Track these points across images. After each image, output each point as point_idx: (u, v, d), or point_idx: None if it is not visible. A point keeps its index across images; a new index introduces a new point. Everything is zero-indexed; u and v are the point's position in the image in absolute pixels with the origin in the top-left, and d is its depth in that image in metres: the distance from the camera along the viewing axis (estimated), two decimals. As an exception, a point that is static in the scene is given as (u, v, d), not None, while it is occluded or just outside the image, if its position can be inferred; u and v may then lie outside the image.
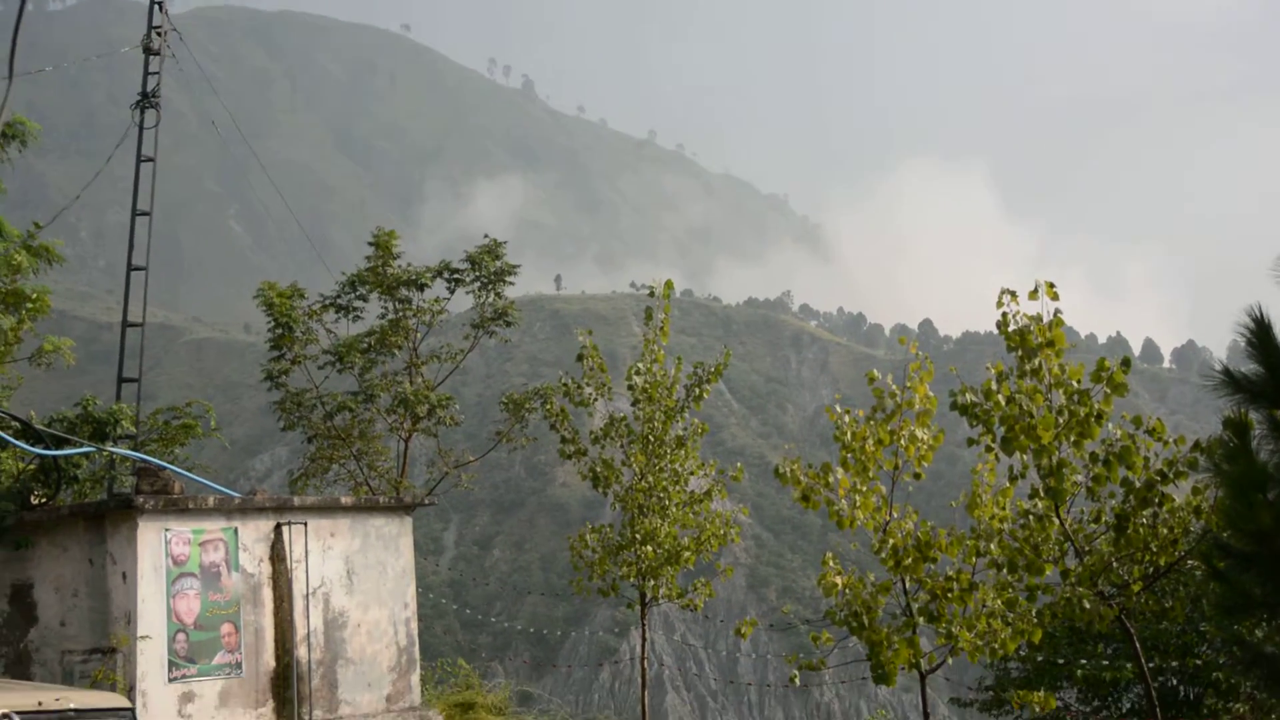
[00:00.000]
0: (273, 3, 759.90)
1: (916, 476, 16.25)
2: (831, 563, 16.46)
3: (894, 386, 16.24)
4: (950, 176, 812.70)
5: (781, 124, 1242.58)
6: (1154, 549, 15.01)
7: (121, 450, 24.23)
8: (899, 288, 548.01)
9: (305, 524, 18.82)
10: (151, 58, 32.22)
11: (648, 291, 22.57)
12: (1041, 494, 15.06)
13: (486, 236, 37.37)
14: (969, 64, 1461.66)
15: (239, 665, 17.78)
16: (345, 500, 19.81)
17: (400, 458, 35.84)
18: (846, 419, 16.22)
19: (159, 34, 32.35)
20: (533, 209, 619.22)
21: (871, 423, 16.20)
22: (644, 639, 23.54)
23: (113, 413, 25.49)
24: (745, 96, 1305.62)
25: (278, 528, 18.41)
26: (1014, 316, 14.93)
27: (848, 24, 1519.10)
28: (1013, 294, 14.90)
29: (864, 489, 16.00)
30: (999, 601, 15.55)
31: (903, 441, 16.06)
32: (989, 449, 15.08)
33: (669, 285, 22.60)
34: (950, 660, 16.38)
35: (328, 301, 35.97)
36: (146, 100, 31.46)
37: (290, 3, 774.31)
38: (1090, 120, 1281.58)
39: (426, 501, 22.99)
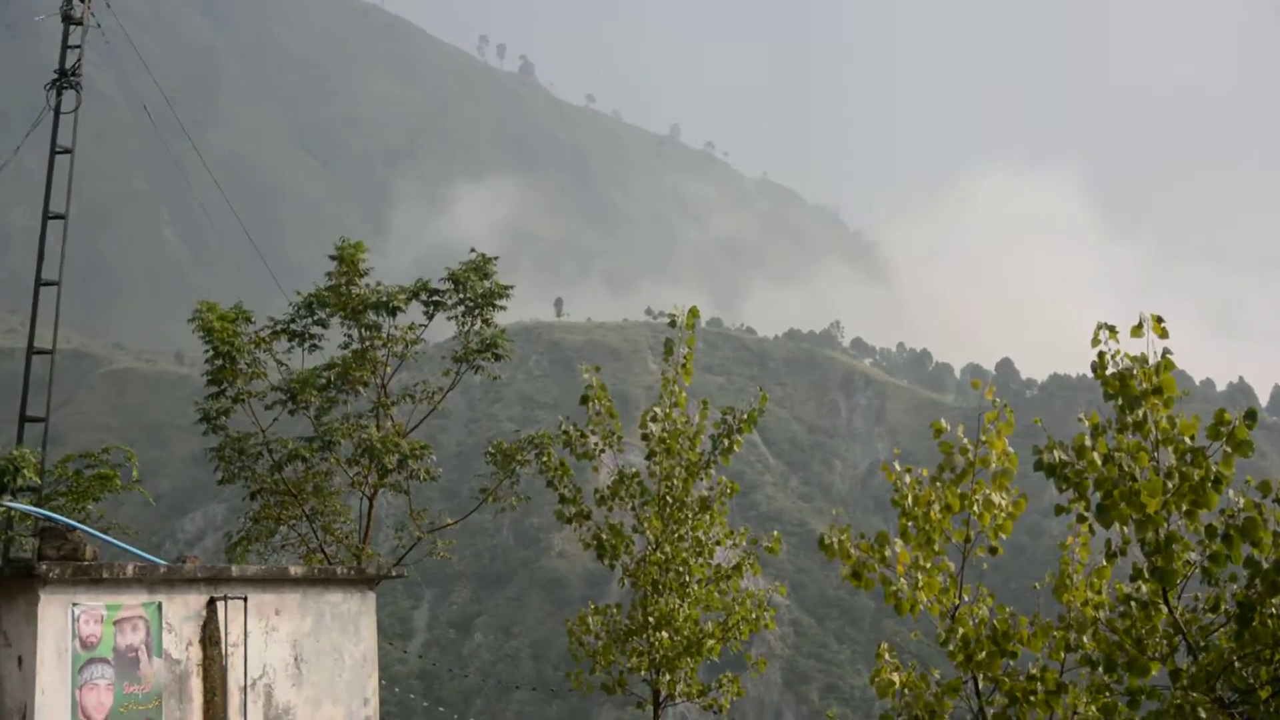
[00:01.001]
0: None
1: (993, 551, 16.14)
2: (887, 656, 16.35)
3: (965, 440, 16.16)
4: (1033, 186, 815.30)
5: (831, 121, 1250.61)
6: (1285, 645, 14.88)
7: (22, 505, 24.26)
8: (971, 320, 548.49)
9: (245, 599, 18.76)
10: (71, 28, 32.42)
11: (667, 320, 22.54)
12: (1146, 575, 14.94)
13: (473, 251, 37.43)
14: (1055, 47, 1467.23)
15: (161, 771, 17.69)
16: (295, 570, 19.76)
17: (363, 519, 35.79)
18: (907, 479, 16.13)
19: (82, 1, 32.57)
20: (528, 217, 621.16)
21: (938, 484, 16.10)
22: (656, 745, 23.42)
23: (12, 459, 25.53)
24: (787, 88, 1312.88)
25: (211, 603, 18.35)
26: (1113, 357, 14.84)
27: (909, 7, 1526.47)
28: (1111, 329, 14.82)
29: (928, 565, 15.90)
30: (1093, 708, 15.42)
31: (976, 508, 15.96)
32: (1081, 519, 14.96)
33: (693, 313, 22.57)
34: (1032, 778, 16.20)
35: (279, 327, 36.01)
36: (64, 79, 31.65)
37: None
38: (1209, 118, 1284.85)
39: (394, 573, 22.93)
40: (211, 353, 34.47)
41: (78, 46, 32.11)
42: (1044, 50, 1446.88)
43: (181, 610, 18.33)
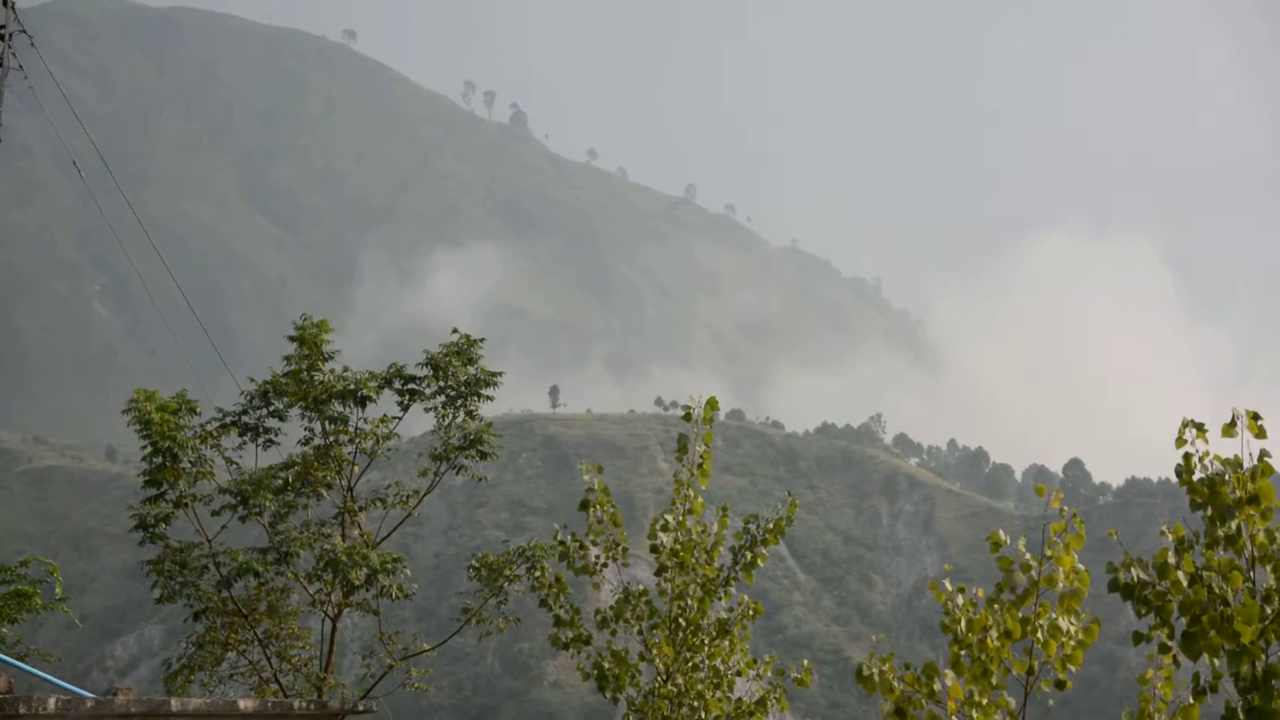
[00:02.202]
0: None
1: (1060, 685, 16.12)
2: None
3: (1028, 555, 16.17)
4: (1103, 259, 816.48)
5: (871, 184, 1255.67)
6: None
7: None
8: (1034, 413, 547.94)
9: (187, 736, 18.71)
10: (-9, 72, 32.67)
11: (681, 412, 22.61)
12: (1241, 716, 14.93)
13: (455, 331, 37.56)
14: (1134, 106, 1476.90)
15: None
16: (245, 704, 19.74)
17: (325, 643, 35.74)
18: (960, 600, 16.13)
19: (1, 38, 32.85)
20: (519, 291, 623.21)
21: (996, 607, 16.10)
22: None
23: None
24: (820, 145, 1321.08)
25: (147, 741, 18.29)
26: (1201, 460, 14.87)
27: (961, 62, 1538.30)
28: (1199, 427, 14.86)
29: (984, 701, 15.87)
30: None
31: (1040, 634, 15.95)
32: (1164, 649, 14.95)
33: (712, 404, 22.63)
34: None
35: (229, 419, 36.10)
36: (-18, 132, 31.85)
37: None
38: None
39: (361, 708, 22.91)
40: (150, 449, 34.44)
41: (-4, 93, 32.33)
42: (1114, 102, 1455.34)
43: (112, 751, 18.33)
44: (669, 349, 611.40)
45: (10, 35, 32.79)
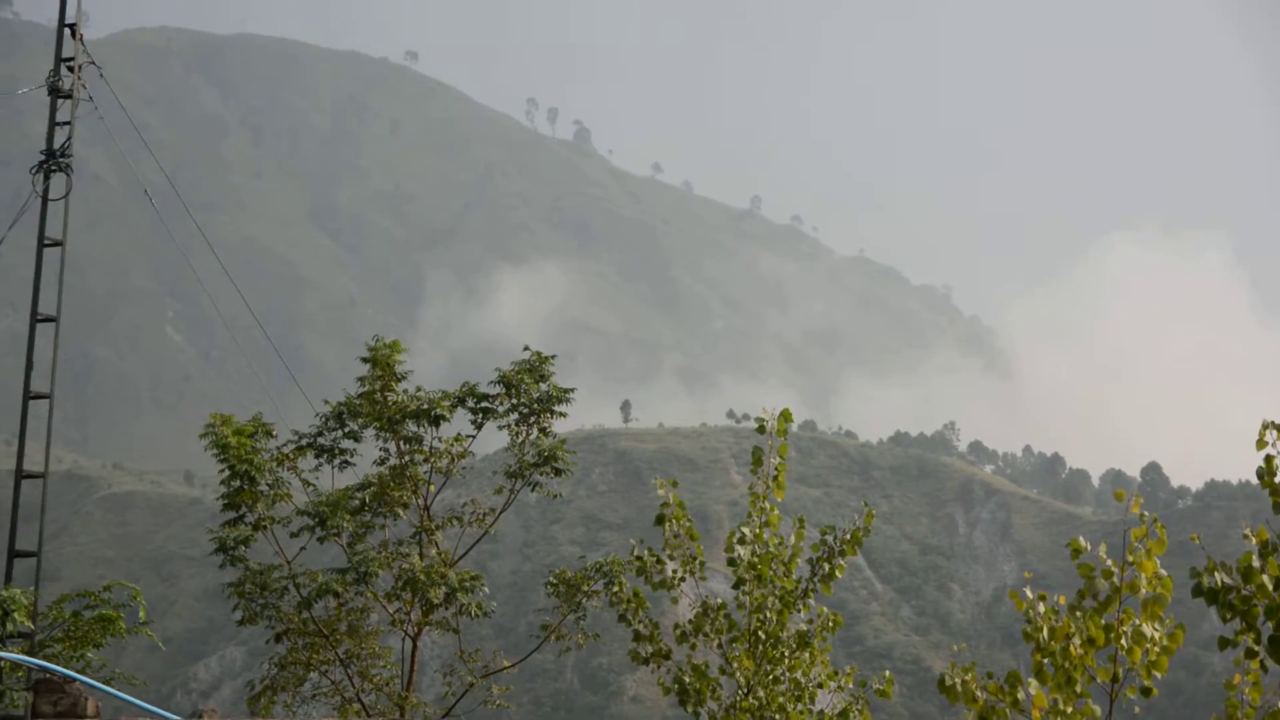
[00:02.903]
0: (228, 22, 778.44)
1: (1145, 692, 16.02)
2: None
3: (1109, 561, 16.08)
4: (1175, 262, 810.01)
5: (938, 191, 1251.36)
6: None
7: (12, 655, 24.48)
8: (1111, 417, 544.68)
9: (272, 758, 18.83)
10: (60, 101, 32.97)
11: (755, 424, 22.59)
12: (1330, 719, 14.81)
13: (526, 349, 37.62)
14: (1202, 106, 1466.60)
15: None
16: (328, 724, 19.83)
17: (406, 662, 35.85)
18: (1041, 608, 16.05)
19: (70, 69, 33.12)
20: (586, 306, 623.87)
21: (1078, 614, 16.01)
22: None
23: (0, 602, 25.75)
24: (885, 154, 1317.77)
25: (233, 764, 18.41)
26: (1282, 461, 14.78)
27: (1026, 66, 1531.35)
28: (1279, 428, 14.77)
29: (1069, 709, 15.79)
30: None
31: (1124, 641, 15.86)
32: (1251, 653, 14.85)
33: (785, 416, 22.59)
34: None
35: (305, 441, 36.28)
36: (53, 161, 32.15)
37: (251, 23, 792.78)
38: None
39: (442, 726, 22.97)
40: (227, 473, 34.66)
41: (67, 123, 32.62)
42: (1182, 103, 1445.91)
43: (199, 774, 18.46)
44: (739, 361, 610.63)
45: (80, 66, 33.07)
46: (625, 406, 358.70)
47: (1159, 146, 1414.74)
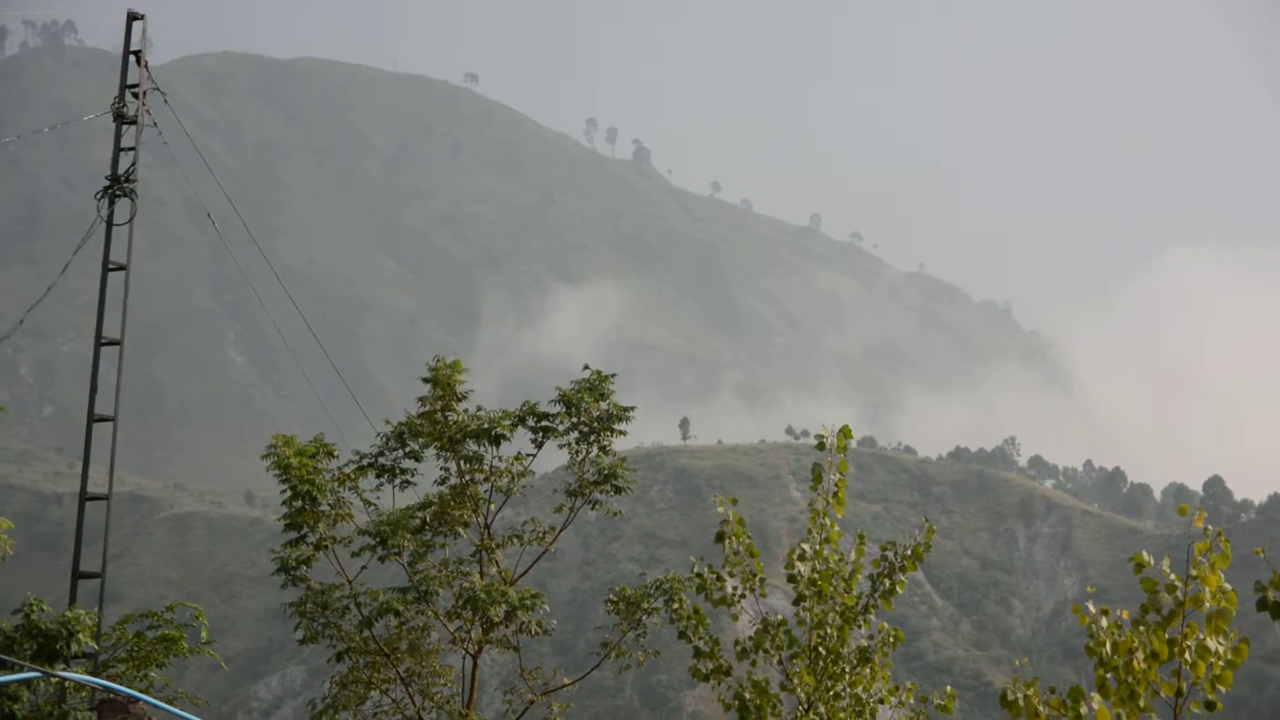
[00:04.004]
0: (289, 47, 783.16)
1: (1209, 706, 15.89)
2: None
3: (1172, 575, 15.97)
4: (1236, 274, 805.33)
5: (995, 205, 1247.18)
6: None
7: (77, 675, 24.58)
8: (1173, 431, 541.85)
9: (334, 777, 18.85)
10: (125, 127, 33.18)
11: (815, 441, 22.51)
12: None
13: (586, 368, 37.62)
14: (1265, 113, 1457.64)
15: None
16: (390, 742, 19.84)
17: (466, 680, 35.87)
18: (1104, 622, 15.95)
19: (135, 95, 33.33)
20: (645, 324, 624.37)
21: (1141, 628, 15.91)
22: None
23: (65, 622, 25.89)
24: (941, 168, 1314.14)
25: (296, 782, 18.42)
26: (1347, 473, 14.61)
27: (1086, 83, 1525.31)
28: (1343, 441, 14.60)
29: (1133, 725, 15.67)
30: None
31: (1188, 655, 15.74)
32: (1316, 666, 14.70)
33: (845, 432, 22.53)
34: None
35: (366, 461, 36.38)
36: (118, 186, 32.34)
37: (313, 47, 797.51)
38: None
39: (503, 744, 22.94)
40: (289, 493, 34.78)
41: (132, 148, 32.81)
42: (1247, 114, 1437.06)
43: (262, 792, 18.49)
44: (798, 378, 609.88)
45: (144, 93, 33.27)
46: (684, 424, 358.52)
47: (1222, 157, 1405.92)
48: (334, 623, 35.25)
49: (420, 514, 36.01)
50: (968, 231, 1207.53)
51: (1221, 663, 16.04)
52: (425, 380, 36.79)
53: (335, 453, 35.82)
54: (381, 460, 36.41)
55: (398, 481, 36.48)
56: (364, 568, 35.60)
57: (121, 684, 23.37)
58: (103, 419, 31.16)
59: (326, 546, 35.24)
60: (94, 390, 31.33)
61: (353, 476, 35.98)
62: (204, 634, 30.81)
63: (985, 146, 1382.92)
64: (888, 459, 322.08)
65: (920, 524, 23.72)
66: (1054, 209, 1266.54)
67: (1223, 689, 16.01)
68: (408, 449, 36.39)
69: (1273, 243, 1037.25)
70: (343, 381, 44.97)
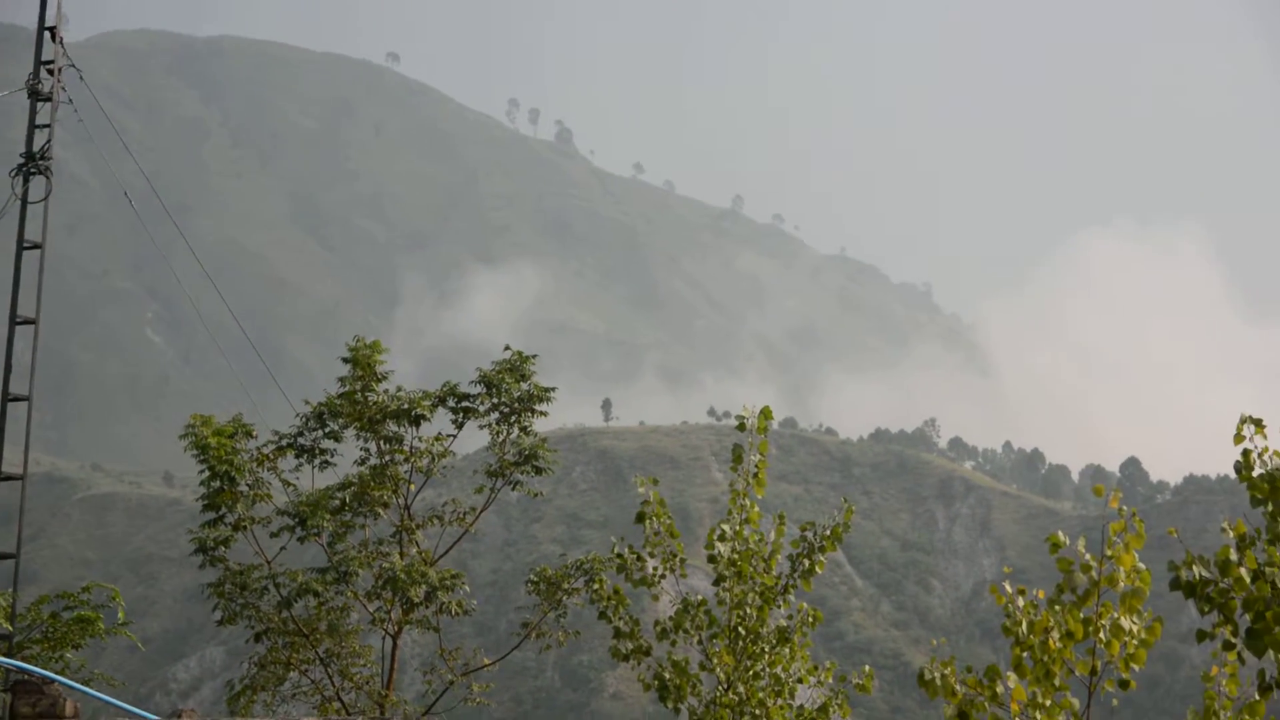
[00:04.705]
0: (208, 25, 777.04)
1: (1123, 685, 16.01)
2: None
3: (1088, 556, 16.06)
4: (1151, 257, 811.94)
5: (916, 188, 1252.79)
6: None
7: (-7, 655, 24.38)
8: (1090, 413, 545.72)
9: (252, 758, 18.76)
10: (40, 104, 32.88)
11: (735, 422, 22.55)
12: (1308, 710, 14.80)
13: (508, 349, 37.59)
14: (1172, 95, 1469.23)
15: None
16: (308, 723, 19.77)
17: (386, 661, 35.81)
18: (1020, 602, 16.03)
19: (50, 72, 33.03)
20: (567, 305, 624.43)
21: (1057, 608, 15.99)
22: None
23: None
24: (862, 151, 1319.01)
25: (213, 763, 18.34)
26: (1260, 455, 14.76)
27: (1000, 62, 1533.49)
28: (1257, 423, 14.75)
29: (1047, 703, 15.77)
30: None
31: (1102, 635, 15.84)
32: (1228, 646, 14.84)
33: (766, 414, 22.57)
34: None
35: (285, 441, 36.22)
36: (32, 164, 32.04)
37: (232, 25, 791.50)
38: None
39: (423, 724, 22.90)
40: (207, 473, 34.64)
41: (47, 126, 32.51)
42: (1154, 96, 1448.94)
43: (178, 774, 18.39)
44: (720, 359, 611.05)
45: (59, 69, 32.98)
46: (606, 405, 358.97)
47: (1133, 140, 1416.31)
48: (252, 603, 35.13)
49: (340, 494, 35.92)
50: (888, 214, 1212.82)
51: (1135, 642, 16.16)
52: (345, 360, 36.70)
53: (254, 433, 35.69)
54: (301, 441, 36.28)
55: (317, 462, 36.37)
56: (283, 548, 35.50)
57: (36, 665, 23.19)
58: (17, 398, 30.84)
59: (245, 527, 35.11)
60: (8, 370, 30.98)
61: (271, 457, 35.84)
62: (121, 615, 30.61)
63: (904, 129, 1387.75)
64: (809, 440, 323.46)
65: (840, 505, 23.81)
66: (971, 192, 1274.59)
67: (1136, 668, 16.14)
68: (327, 429, 36.28)
69: (1181, 223, 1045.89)
70: (262, 362, 44.73)
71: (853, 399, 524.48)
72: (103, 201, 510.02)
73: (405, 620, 35.27)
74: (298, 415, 36.47)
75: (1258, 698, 15.64)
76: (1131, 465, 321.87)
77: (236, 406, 43.43)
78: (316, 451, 36.33)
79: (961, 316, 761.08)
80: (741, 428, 22.48)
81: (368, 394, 36.17)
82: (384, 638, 35.89)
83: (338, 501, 35.74)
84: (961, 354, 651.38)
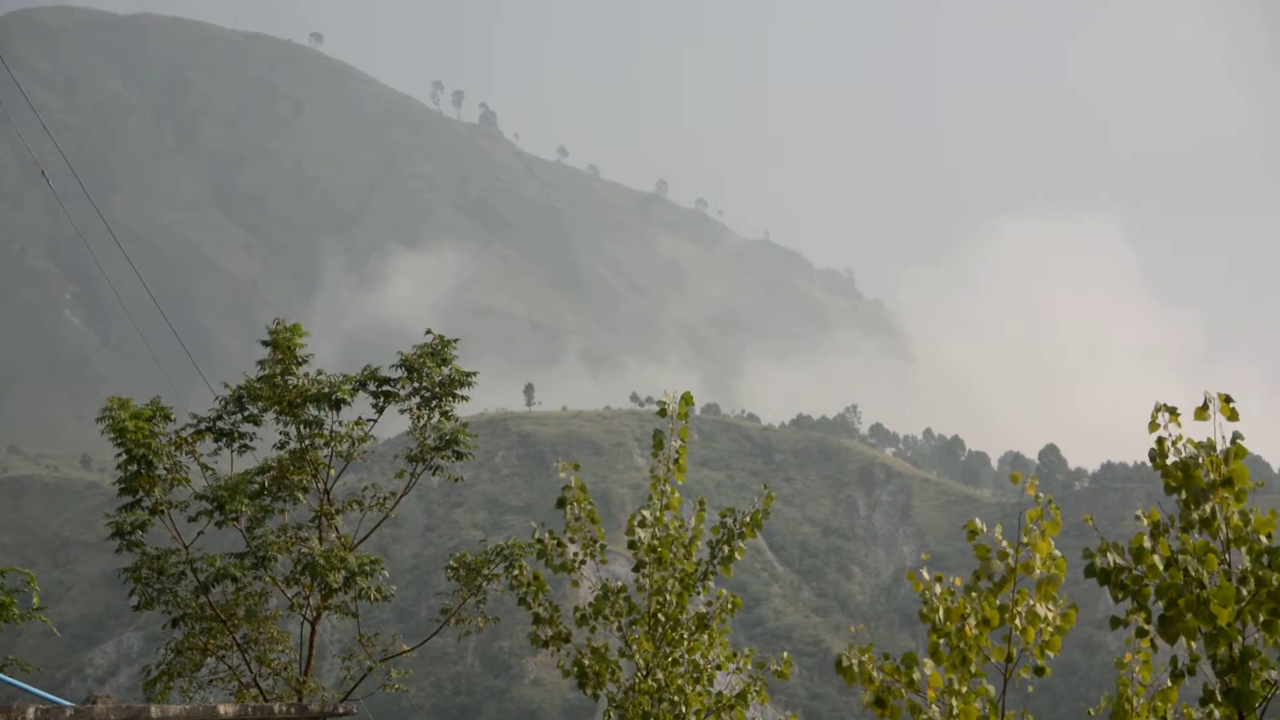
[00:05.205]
0: (128, 2, 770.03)
1: (1038, 671, 16.13)
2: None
3: (1005, 543, 16.16)
4: (1068, 243, 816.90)
5: (841, 176, 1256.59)
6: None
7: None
8: (1008, 400, 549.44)
9: (168, 744, 18.65)
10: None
11: (656, 408, 22.58)
12: (1219, 698, 14.93)
13: (430, 333, 37.49)
14: (1099, 85, 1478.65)
15: None
16: (225, 710, 19.67)
17: (304, 647, 35.66)
18: (938, 589, 16.12)
19: (-33, 49, 32.78)
20: (490, 289, 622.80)
21: (973, 595, 16.09)
22: None
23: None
24: (787, 137, 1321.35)
25: (128, 749, 18.22)
26: (1174, 443, 14.87)
27: (923, 49, 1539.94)
28: (1171, 411, 14.85)
29: (963, 689, 15.86)
30: None
31: (1018, 622, 15.95)
32: (1142, 633, 14.96)
33: (687, 399, 22.59)
34: None
35: (204, 425, 35.99)
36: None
37: (151, 2, 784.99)
38: (1270, 159, 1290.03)
39: (341, 709, 22.83)
40: (124, 457, 34.32)
41: (-36, 105, 32.17)
42: (1068, 85, 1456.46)
43: (93, 760, 18.26)
44: (643, 345, 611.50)
45: (-26, 45, 32.71)
46: (529, 390, 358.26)
47: (1048, 126, 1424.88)
48: (170, 589, 34.86)
49: (258, 479, 35.70)
50: (812, 200, 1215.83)
51: (1051, 628, 16.28)
52: (265, 343, 36.46)
53: (172, 416, 35.39)
54: (220, 424, 36.02)
55: (236, 446, 36.11)
56: (201, 533, 35.28)
57: (-50, 650, 22.98)
58: (-68, 380, 30.56)
59: (163, 511, 34.83)
60: (-77, 351, 30.72)
61: (190, 440, 35.58)
62: (36, 600, 30.35)
63: (829, 118, 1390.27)
64: (731, 426, 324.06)
65: (760, 491, 23.87)
66: (893, 180, 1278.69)
67: (1052, 654, 16.26)
68: (246, 413, 36.03)
69: (1096, 209, 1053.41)
70: (181, 344, 44.37)
71: (775, 385, 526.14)
72: (20, 180, 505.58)
73: (324, 606, 35.12)
74: (217, 398, 36.23)
75: (1170, 684, 15.77)
76: (1050, 453, 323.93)
77: (156, 389, 43.16)
78: (235, 435, 36.09)
79: (883, 303, 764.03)
80: (663, 413, 22.49)
81: (287, 377, 35.94)
82: (302, 623, 35.72)
83: (256, 486, 35.53)
84: (883, 340, 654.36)
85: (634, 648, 22.72)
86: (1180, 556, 14.82)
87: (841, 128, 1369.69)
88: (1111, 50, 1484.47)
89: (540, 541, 23.68)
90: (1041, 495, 16.31)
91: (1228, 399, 14.65)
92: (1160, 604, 14.82)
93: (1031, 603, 16.29)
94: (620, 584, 23.25)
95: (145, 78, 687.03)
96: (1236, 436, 14.83)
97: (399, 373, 36.71)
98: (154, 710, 19.30)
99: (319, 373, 36.45)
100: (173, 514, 35.10)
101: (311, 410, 36.10)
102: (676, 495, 23.08)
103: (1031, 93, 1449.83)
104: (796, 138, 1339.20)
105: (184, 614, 34.94)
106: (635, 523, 22.71)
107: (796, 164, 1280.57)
